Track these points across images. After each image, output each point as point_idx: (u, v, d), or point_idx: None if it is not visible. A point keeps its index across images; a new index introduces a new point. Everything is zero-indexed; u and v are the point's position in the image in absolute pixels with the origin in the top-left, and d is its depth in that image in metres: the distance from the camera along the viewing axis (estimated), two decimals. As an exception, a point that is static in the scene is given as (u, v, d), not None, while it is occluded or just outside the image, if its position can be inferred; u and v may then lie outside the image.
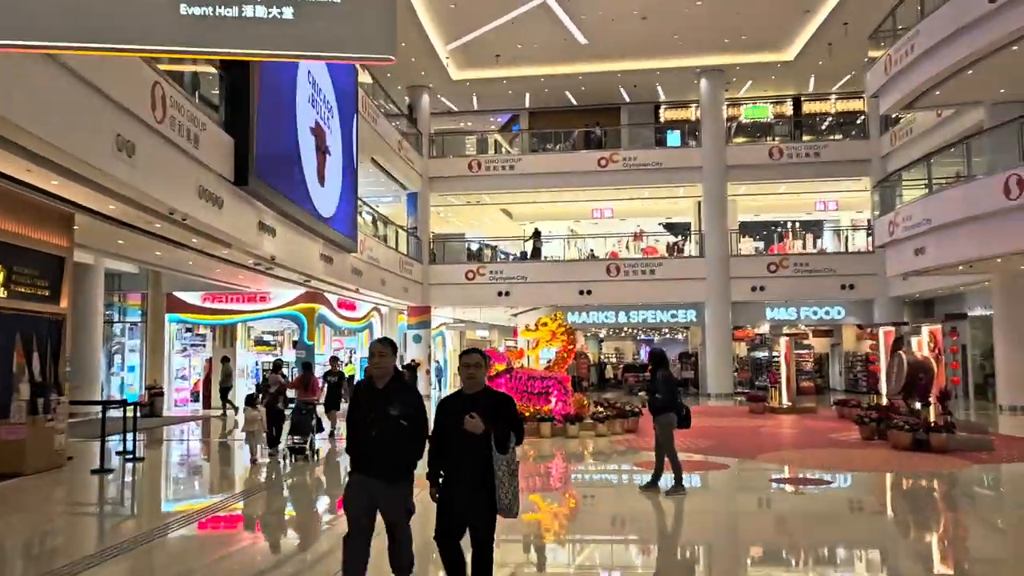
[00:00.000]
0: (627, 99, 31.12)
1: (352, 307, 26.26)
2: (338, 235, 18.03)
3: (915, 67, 18.07)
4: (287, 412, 13.13)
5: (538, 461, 12.61)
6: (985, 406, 21.64)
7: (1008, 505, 9.23)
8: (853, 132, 30.01)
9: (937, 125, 23.16)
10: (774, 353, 33.08)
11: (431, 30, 25.01)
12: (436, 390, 33.16)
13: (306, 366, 13.86)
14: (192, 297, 22.89)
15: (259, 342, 25.63)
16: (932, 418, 11.98)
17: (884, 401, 16.78)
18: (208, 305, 23.08)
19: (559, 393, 15.62)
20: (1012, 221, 15.47)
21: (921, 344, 15.02)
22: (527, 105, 31.73)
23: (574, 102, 31.31)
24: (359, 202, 21.08)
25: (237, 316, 23.54)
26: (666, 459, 8.91)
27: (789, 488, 9.88)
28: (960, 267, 18.30)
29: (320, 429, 13.34)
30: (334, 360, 16.26)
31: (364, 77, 23.82)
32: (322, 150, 16.78)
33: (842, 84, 29.67)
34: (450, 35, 25.42)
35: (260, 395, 13.48)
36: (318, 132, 16.50)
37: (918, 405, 14.37)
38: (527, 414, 15.22)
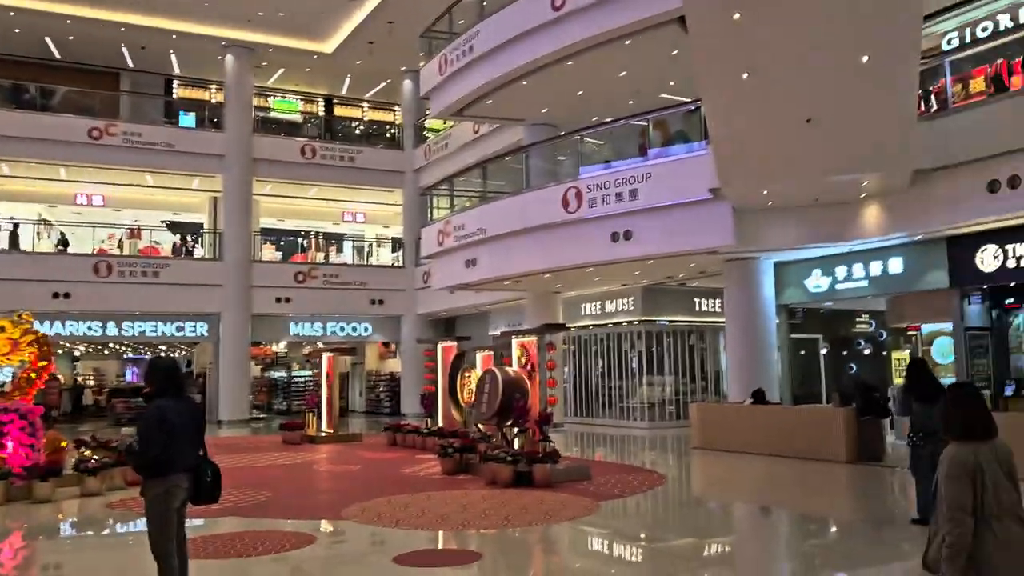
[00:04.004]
0: (131, 64, 25.47)
1: None
2: None
3: (472, 69, 17.08)
4: None
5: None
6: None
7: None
8: (381, 145, 28.88)
9: (473, 141, 23.04)
10: (294, 373, 30.45)
11: None
12: None
13: None
14: None
15: None
16: (525, 445, 10.30)
17: (441, 424, 15.19)
18: None
19: (20, 432, 10.41)
20: (569, 233, 15.18)
21: (488, 361, 13.69)
22: (-12, 47, 23.91)
23: (57, 55, 24.52)
24: None
25: None
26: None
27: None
28: (507, 281, 17.78)
29: None
30: None
31: None
32: None
33: (377, 92, 28.49)
34: None
35: None
36: None
37: (478, 427, 12.93)
38: (-37, 469, 9.78)
